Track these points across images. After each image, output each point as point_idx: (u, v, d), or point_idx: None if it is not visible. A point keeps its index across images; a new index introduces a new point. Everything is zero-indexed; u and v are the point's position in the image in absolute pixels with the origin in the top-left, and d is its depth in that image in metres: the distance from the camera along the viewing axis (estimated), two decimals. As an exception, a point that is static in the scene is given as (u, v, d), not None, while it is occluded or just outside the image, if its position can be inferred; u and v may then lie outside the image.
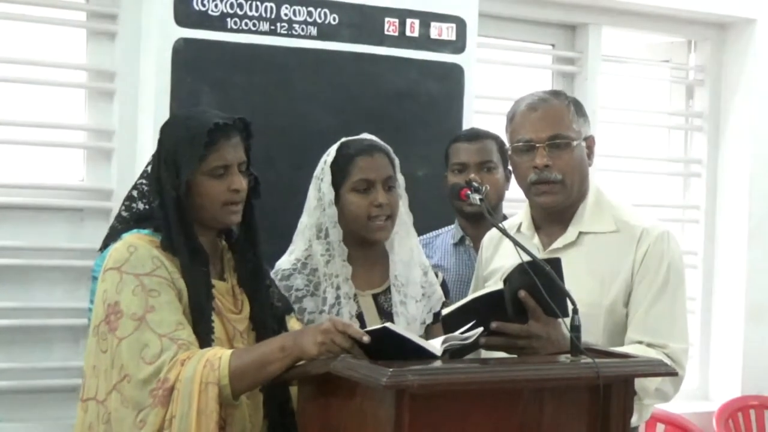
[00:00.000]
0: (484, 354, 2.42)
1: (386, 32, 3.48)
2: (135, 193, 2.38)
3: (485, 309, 2.27)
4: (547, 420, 2.09)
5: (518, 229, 2.65)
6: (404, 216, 2.66)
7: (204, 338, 2.21)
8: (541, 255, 2.48)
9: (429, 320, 2.67)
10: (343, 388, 2.03)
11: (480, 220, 2.94)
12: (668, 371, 2.19)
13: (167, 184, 2.26)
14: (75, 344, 3.28)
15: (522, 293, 2.24)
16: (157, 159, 2.31)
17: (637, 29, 4.43)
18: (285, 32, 3.33)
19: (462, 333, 2.14)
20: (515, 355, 2.27)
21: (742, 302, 4.44)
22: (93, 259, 2.51)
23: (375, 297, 2.63)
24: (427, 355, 2.04)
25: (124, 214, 2.38)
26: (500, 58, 4.18)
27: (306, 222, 2.62)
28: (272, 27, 3.31)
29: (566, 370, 2.09)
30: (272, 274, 2.53)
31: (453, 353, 2.13)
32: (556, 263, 2.24)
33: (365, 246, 2.61)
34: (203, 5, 3.21)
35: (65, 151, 3.47)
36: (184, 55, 3.19)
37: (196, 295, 2.22)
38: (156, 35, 3.20)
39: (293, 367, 2.15)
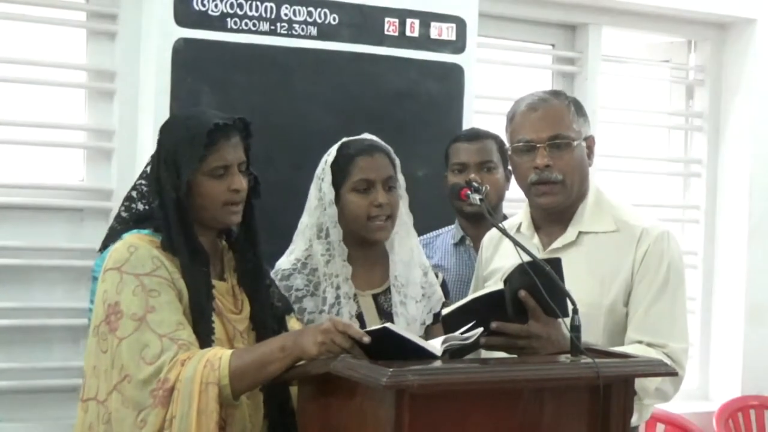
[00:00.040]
0: (484, 354, 2.42)
1: (386, 32, 3.48)
2: (134, 193, 2.38)
3: (485, 309, 2.27)
4: (547, 420, 2.09)
5: (518, 229, 2.65)
6: (404, 216, 2.66)
7: (204, 339, 2.21)
8: (541, 255, 2.48)
9: (429, 321, 2.67)
10: (343, 388, 2.03)
11: (480, 220, 2.94)
12: (668, 371, 2.19)
13: (167, 185, 2.25)
14: (75, 344, 3.28)
15: (522, 293, 2.24)
16: (157, 159, 2.31)
17: (637, 29, 4.43)
18: (285, 32, 3.33)
19: (462, 333, 2.15)
20: (515, 355, 2.27)
21: (742, 302, 4.44)
22: (93, 259, 2.51)
23: (375, 297, 2.63)
24: (427, 355, 2.04)
25: (124, 214, 2.38)
26: (500, 58, 4.18)
27: (306, 222, 2.62)
28: (272, 27, 3.31)
29: (566, 370, 2.09)
30: (272, 274, 2.53)
31: (453, 353, 2.13)
32: (556, 263, 2.24)
33: (365, 246, 2.61)
34: (203, 5, 3.21)
35: (65, 151, 3.47)
36: (184, 55, 3.19)
37: (197, 295, 2.23)
38: (156, 35, 3.20)
39: (293, 367, 2.15)
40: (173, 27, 3.18)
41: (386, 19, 3.48)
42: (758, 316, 4.43)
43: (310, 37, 3.36)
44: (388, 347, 2.03)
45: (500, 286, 2.31)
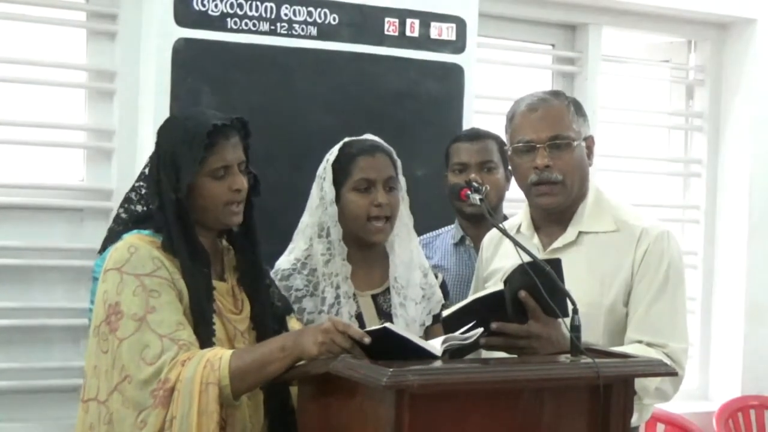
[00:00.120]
0: (485, 354, 2.42)
1: (386, 32, 3.48)
2: (133, 195, 2.38)
3: (485, 309, 2.27)
4: (547, 420, 2.09)
5: (518, 230, 2.65)
6: (405, 218, 2.66)
7: (205, 340, 2.21)
8: (541, 255, 2.48)
9: (428, 322, 2.67)
10: (343, 388, 2.03)
11: (480, 220, 2.94)
12: (668, 371, 2.20)
13: (166, 187, 2.25)
14: (75, 344, 3.28)
15: (522, 293, 2.24)
16: (156, 161, 2.31)
17: (637, 29, 4.43)
18: (285, 32, 3.33)
19: (462, 333, 2.15)
20: (515, 355, 2.27)
21: (742, 302, 4.44)
22: (93, 259, 2.51)
23: (374, 297, 2.63)
24: (427, 355, 2.04)
25: (123, 216, 2.37)
26: (500, 58, 4.18)
27: (307, 221, 2.62)
28: (272, 27, 3.31)
29: (566, 370, 2.09)
30: (272, 274, 2.53)
31: (453, 353, 2.13)
32: (556, 263, 2.24)
33: (364, 247, 2.61)
34: (203, 5, 3.21)
35: (65, 151, 3.47)
36: (184, 55, 3.18)
37: (197, 296, 2.23)
38: (156, 35, 3.20)
39: (293, 367, 2.15)
40: (173, 27, 3.18)
41: (386, 19, 3.48)
42: (758, 316, 4.43)
43: (310, 37, 3.36)
44: (388, 347, 2.03)
45: (500, 286, 2.31)
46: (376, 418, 1.96)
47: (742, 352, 4.43)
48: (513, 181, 2.80)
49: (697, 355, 4.50)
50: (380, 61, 3.46)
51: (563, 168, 2.51)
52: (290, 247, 2.65)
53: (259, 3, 3.29)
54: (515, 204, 3.13)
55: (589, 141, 2.60)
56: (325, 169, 2.60)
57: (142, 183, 2.37)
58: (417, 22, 3.53)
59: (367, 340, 2.05)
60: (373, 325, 2.41)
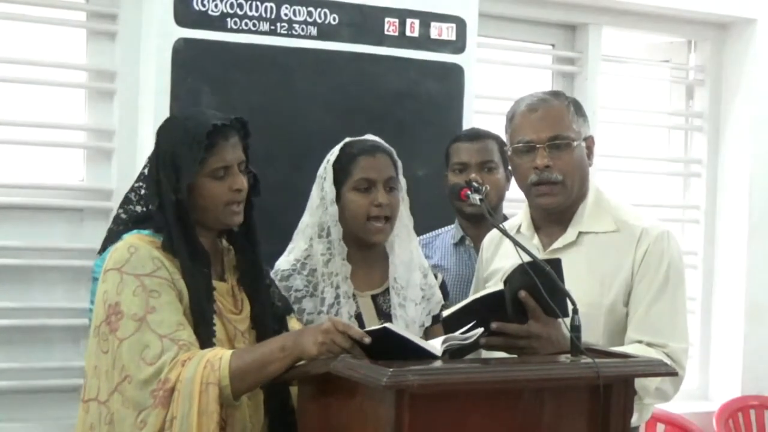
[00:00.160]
0: (485, 354, 2.42)
1: (386, 32, 3.48)
2: (132, 195, 2.38)
3: (486, 309, 2.27)
4: (547, 420, 2.09)
5: (518, 230, 2.65)
6: (405, 219, 2.66)
7: (205, 340, 2.21)
8: (541, 255, 2.48)
9: (428, 323, 2.67)
10: (343, 388, 2.03)
11: (480, 220, 2.94)
12: (668, 371, 2.20)
13: (166, 188, 2.25)
14: (75, 344, 3.28)
15: (522, 293, 2.24)
16: (155, 162, 2.31)
17: (637, 29, 4.43)
18: (285, 32, 3.33)
19: (462, 333, 2.15)
20: (515, 355, 2.27)
21: (742, 302, 4.44)
22: (93, 259, 2.51)
23: (374, 298, 2.63)
24: (427, 355, 2.04)
25: (123, 216, 2.37)
26: (500, 58, 4.18)
27: (308, 221, 2.62)
28: (272, 27, 3.31)
29: (566, 370, 2.09)
30: (272, 274, 2.53)
31: (453, 353, 2.13)
32: (556, 263, 2.24)
33: (364, 247, 2.61)
34: (203, 5, 3.21)
35: (65, 151, 3.46)
36: (184, 55, 3.18)
37: (197, 297, 2.22)
38: (156, 35, 3.20)
39: (293, 367, 2.15)
40: (173, 27, 3.18)
41: (386, 19, 3.48)
42: (758, 316, 4.43)
43: (310, 37, 3.36)
44: (388, 347, 2.03)
45: (500, 286, 2.31)
46: (376, 418, 1.96)
47: (742, 352, 4.43)
48: (513, 181, 2.80)
49: (697, 355, 4.50)
50: (380, 61, 3.46)
51: (563, 168, 2.51)
52: (290, 247, 2.65)
53: (259, 3, 3.29)
54: (515, 204, 3.13)
55: (589, 141, 2.60)
56: (325, 169, 2.61)
57: (141, 183, 2.37)
58: (417, 22, 3.53)
59: (367, 340, 2.05)
60: (373, 325, 2.41)
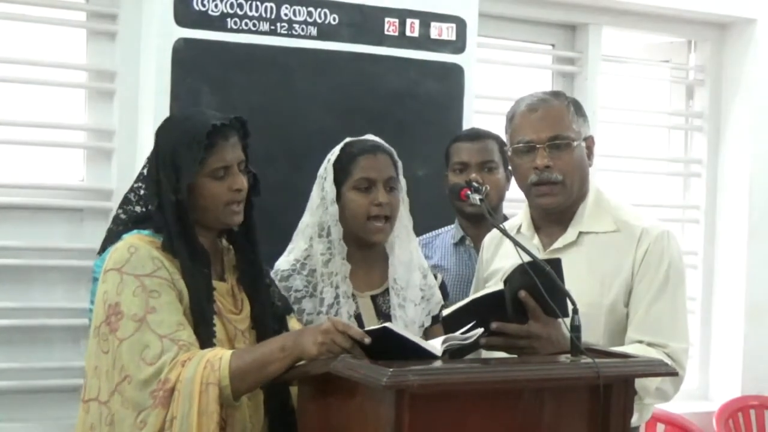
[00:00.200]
0: (485, 354, 2.42)
1: (386, 32, 3.48)
2: (132, 196, 2.38)
3: (485, 309, 2.27)
4: (547, 420, 2.09)
5: (518, 230, 2.65)
6: (405, 219, 2.66)
7: (205, 340, 2.21)
8: (541, 255, 2.48)
9: (427, 323, 2.67)
10: (343, 388, 2.03)
11: (480, 220, 2.94)
12: (668, 371, 2.20)
13: (166, 188, 2.25)
14: (75, 344, 3.28)
15: (522, 293, 2.24)
16: (155, 162, 2.31)
17: (637, 29, 4.43)
18: (285, 32, 3.33)
19: (462, 333, 2.15)
20: (515, 355, 2.27)
21: (742, 302, 4.44)
22: (93, 259, 2.51)
23: (373, 298, 2.63)
24: (427, 356, 2.04)
25: (122, 216, 2.37)
26: (500, 58, 4.18)
27: (308, 221, 2.62)
28: (272, 27, 3.31)
29: (566, 370, 2.09)
30: (272, 274, 2.53)
31: (453, 353, 2.13)
32: (556, 263, 2.24)
33: (364, 247, 2.61)
34: (203, 5, 3.21)
35: (65, 151, 3.46)
36: (184, 55, 3.18)
37: (197, 297, 2.22)
38: (156, 35, 3.19)
39: (293, 367, 2.15)
40: (173, 27, 3.18)
41: (386, 19, 3.48)
42: (758, 316, 4.43)
43: (310, 37, 3.36)
44: (388, 347, 2.03)
45: (500, 286, 2.31)
46: (376, 418, 1.96)
47: (742, 352, 4.43)
48: (513, 181, 2.80)
49: (697, 355, 4.50)
50: (380, 61, 3.46)
51: (563, 168, 2.51)
52: (290, 247, 2.65)
53: (259, 3, 3.28)
54: (515, 204, 3.13)
55: (589, 141, 2.60)
56: (326, 169, 2.61)
57: (140, 184, 2.37)
58: (417, 22, 3.53)
59: (367, 340, 2.05)
60: (372, 325, 2.41)
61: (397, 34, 3.49)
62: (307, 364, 2.13)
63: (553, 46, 4.29)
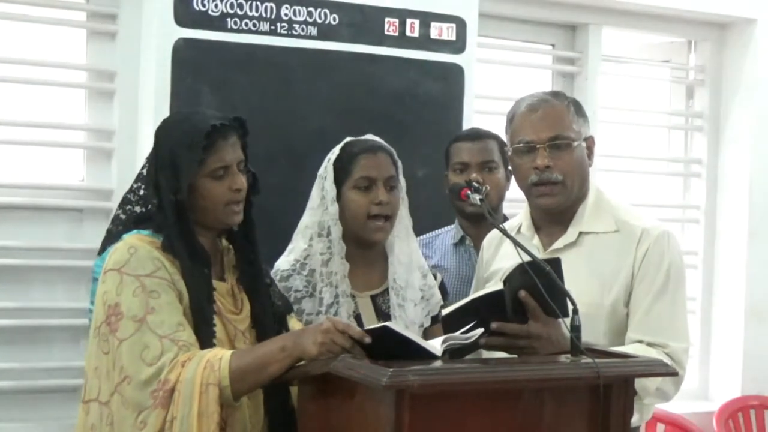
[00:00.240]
0: (485, 354, 2.42)
1: (386, 32, 3.48)
2: (131, 196, 2.37)
3: (485, 309, 2.27)
4: (547, 420, 2.09)
5: (518, 230, 2.65)
6: (405, 219, 2.66)
7: (205, 340, 2.21)
8: (541, 256, 2.47)
9: (427, 323, 2.67)
10: (343, 388, 2.03)
11: (480, 220, 2.94)
12: (668, 371, 2.19)
13: (166, 188, 2.25)
14: (75, 344, 3.28)
15: (522, 293, 2.24)
16: (154, 163, 2.30)
17: (637, 29, 4.43)
18: (285, 32, 3.33)
19: (462, 333, 2.14)
20: (515, 355, 2.27)
21: (742, 302, 4.44)
22: (93, 260, 2.51)
23: (373, 298, 2.63)
24: (427, 355, 2.04)
25: (122, 217, 2.37)
26: (500, 58, 4.18)
27: (307, 221, 2.62)
28: (272, 27, 3.31)
29: (566, 370, 2.09)
30: (272, 274, 2.53)
31: (453, 353, 2.13)
32: (555, 263, 2.24)
33: (364, 246, 2.61)
34: (203, 5, 3.21)
35: (65, 151, 3.46)
36: (184, 55, 3.18)
37: (197, 297, 2.22)
38: (156, 35, 3.20)
39: (293, 368, 2.15)
40: (173, 27, 3.18)
41: (386, 19, 3.48)
42: (758, 316, 4.43)
43: (310, 37, 3.36)
44: (388, 346, 2.03)
45: (500, 286, 2.31)
46: (376, 418, 1.96)
47: (742, 352, 4.43)
48: (513, 181, 2.80)
49: (697, 355, 4.50)
50: (380, 61, 3.46)
51: (563, 168, 2.50)
52: (290, 247, 2.65)
53: (259, 3, 3.28)
54: (515, 204, 3.13)
55: (590, 141, 2.60)
56: (326, 169, 2.61)
57: (140, 184, 2.37)
58: (417, 22, 3.53)
59: (367, 339, 2.05)
60: (372, 325, 2.41)
61: (397, 34, 3.49)
62: (307, 364, 2.13)
63: (553, 46, 4.29)
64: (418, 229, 2.77)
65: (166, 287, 2.19)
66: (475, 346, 2.23)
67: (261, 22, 3.29)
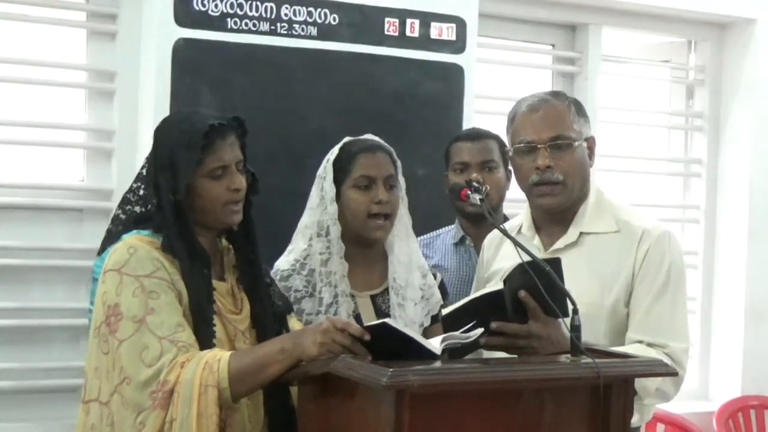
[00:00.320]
0: (485, 354, 2.42)
1: (386, 32, 3.48)
2: (131, 196, 2.37)
3: (485, 309, 2.27)
4: (547, 420, 2.09)
5: (519, 230, 2.65)
6: (404, 218, 2.66)
7: (205, 340, 2.20)
8: (541, 256, 2.47)
9: (427, 323, 2.67)
10: (343, 388, 2.03)
11: (481, 220, 2.94)
12: (668, 371, 2.19)
13: (165, 189, 2.25)
14: (75, 344, 3.28)
15: (522, 293, 2.24)
16: (153, 163, 2.30)
17: (637, 29, 4.43)
18: (285, 32, 3.33)
19: (462, 333, 2.14)
20: (515, 355, 2.27)
21: (742, 302, 4.44)
22: (93, 260, 2.51)
23: (373, 298, 2.63)
24: (427, 354, 2.04)
25: (122, 217, 2.37)
26: (500, 58, 4.18)
27: (307, 221, 2.62)
28: (272, 27, 3.31)
29: (566, 370, 2.09)
30: (271, 274, 2.53)
31: (453, 353, 2.13)
32: (556, 263, 2.24)
33: (364, 246, 2.61)
34: (203, 5, 3.21)
35: (65, 151, 3.46)
36: (184, 55, 3.18)
37: (197, 297, 2.22)
38: (156, 35, 3.20)
39: (293, 368, 2.15)
40: (173, 27, 3.18)
41: (386, 19, 3.48)
42: (758, 316, 4.43)
43: (310, 37, 3.36)
44: (388, 345, 2.03)
45: (500, 286, 2.31)
46: (376, 418, 1.96)
47: (742, 352, 4.43)
48: (513, 181, 2.80)
49: (697, 355, 4.50)
50: (380, 61, 3.46)
51: (564, 168, 2.50)
52: (289, 247, 2.65)
53: (259, 3, 3.28)
54: (516, 204, 3.13)
55: (590, 141, 2.60)
56: (325, 168, 2.61)
57: (139, 184, 2.37)
58: (417, 22, 3.53)
59: (367, 337, 2.05)
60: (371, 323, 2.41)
61: (397, 34, 3.49)
62: (307, 365, 2.13)
63: (553, 46, 4.29)
64: (418, 229, 2.77)
65: (165, 288, 2.19)
66: (475, 345, 2.23)
67: (261, 22, 3.29)
